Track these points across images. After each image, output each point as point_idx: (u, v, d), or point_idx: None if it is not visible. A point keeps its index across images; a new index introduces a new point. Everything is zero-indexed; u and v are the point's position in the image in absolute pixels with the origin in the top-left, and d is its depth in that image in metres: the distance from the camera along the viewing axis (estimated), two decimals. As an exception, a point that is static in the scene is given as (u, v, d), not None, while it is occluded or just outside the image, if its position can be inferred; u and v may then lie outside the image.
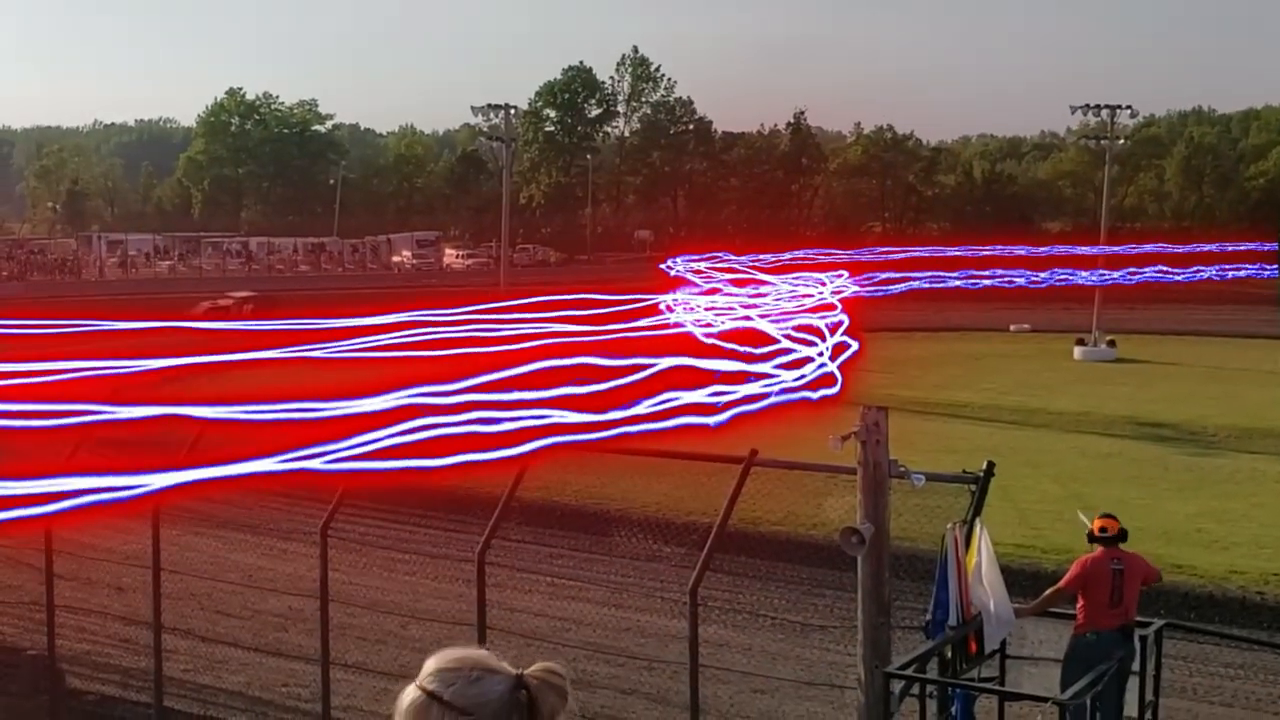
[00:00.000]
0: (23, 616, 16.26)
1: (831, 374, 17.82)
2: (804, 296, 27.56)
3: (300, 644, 15.58)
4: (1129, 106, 57.41)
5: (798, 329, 21.36)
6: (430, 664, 2.14)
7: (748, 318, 24.01)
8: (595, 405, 13.22)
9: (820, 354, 18.93)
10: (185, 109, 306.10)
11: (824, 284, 29.77)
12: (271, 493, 25.77)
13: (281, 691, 15.23)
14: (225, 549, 20.88)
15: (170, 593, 14.49)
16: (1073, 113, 58.80)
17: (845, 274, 32.62)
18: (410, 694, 2.12)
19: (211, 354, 18.01)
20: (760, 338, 20.44)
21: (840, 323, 22.66)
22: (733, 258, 36.85)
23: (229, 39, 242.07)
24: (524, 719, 2.10)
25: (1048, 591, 10.61)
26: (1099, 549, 10.29)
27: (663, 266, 36.13)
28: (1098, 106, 56.72)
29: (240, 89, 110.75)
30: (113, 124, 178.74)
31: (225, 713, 14.34)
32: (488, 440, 11.71)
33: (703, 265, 35.37)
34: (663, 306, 25.29)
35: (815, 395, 16.56)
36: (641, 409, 13.24)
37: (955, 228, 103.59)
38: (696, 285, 30.81)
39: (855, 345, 20.81)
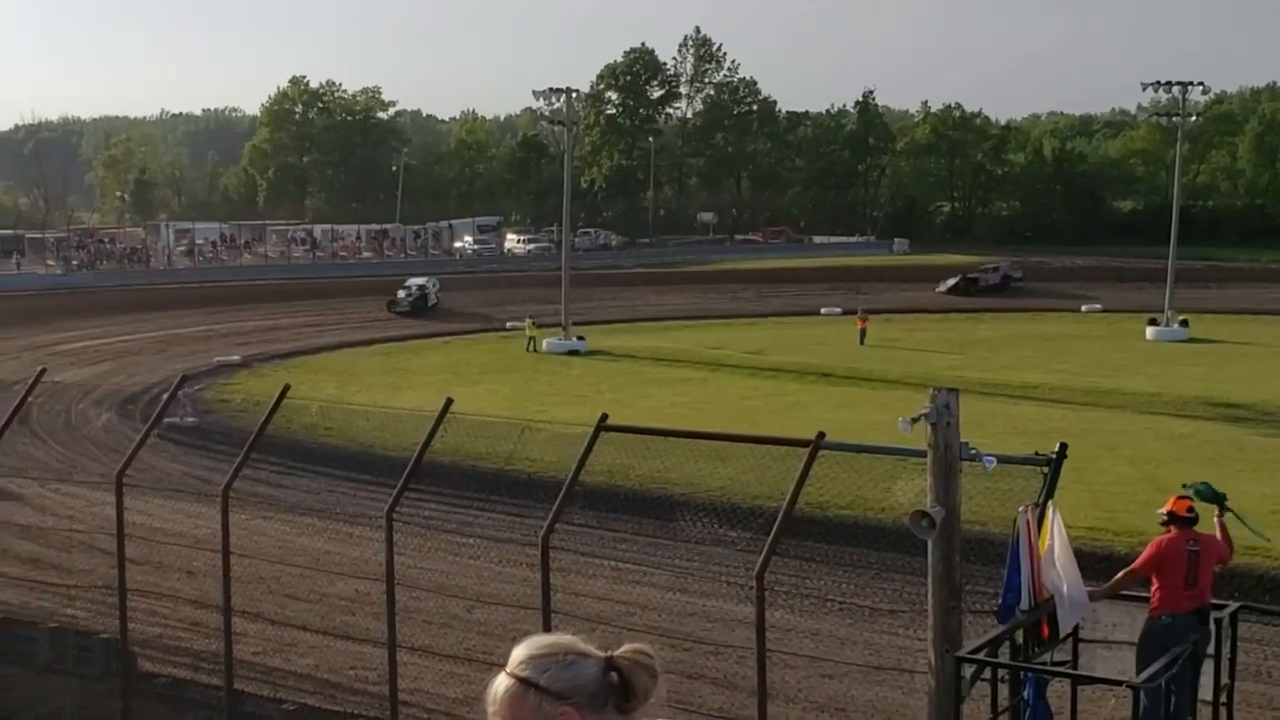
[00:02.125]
0: (96, 600, 16.48)
1: None
2: None
3: (367, 627, 15.65)
4: (1201, 83, 56.43)
5: None
6: (519, 651, 2.12)
7: None
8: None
9: None
10: (250, 98, 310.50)
11: None
12: (337, 477, 26.05)
13: (349, 674, 15.34)
14: (293, 533, 21.06)
15: (239, 576, 14.59)
16: (1144, 89, 57.51)
17: None
18: (503, 682, 2.11)
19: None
20: None
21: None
22: None
23: (293, 27, 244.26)
24: (619, 700, 2.10)
25: (1121, 574, 10.37)
26: (1174, 530, 10.06)
27: None
28: (1169, 83, 55.76)
29: (304, 77, 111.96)
30: (179, 114, 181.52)
31: (294, 695, 14.44)
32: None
33: None
34: None
35: None
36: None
37: (1025, 207, 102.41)
38: None
39: None
